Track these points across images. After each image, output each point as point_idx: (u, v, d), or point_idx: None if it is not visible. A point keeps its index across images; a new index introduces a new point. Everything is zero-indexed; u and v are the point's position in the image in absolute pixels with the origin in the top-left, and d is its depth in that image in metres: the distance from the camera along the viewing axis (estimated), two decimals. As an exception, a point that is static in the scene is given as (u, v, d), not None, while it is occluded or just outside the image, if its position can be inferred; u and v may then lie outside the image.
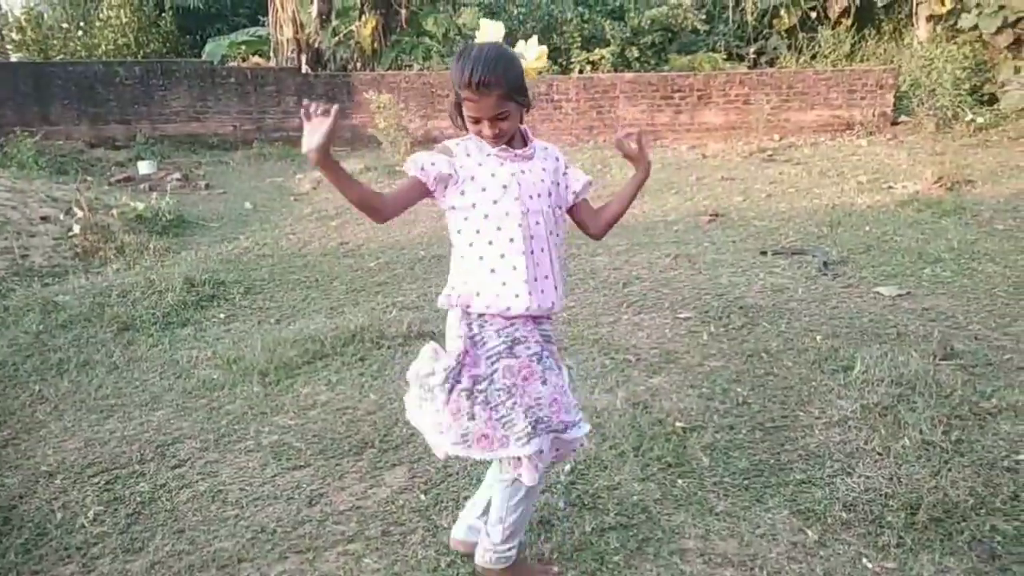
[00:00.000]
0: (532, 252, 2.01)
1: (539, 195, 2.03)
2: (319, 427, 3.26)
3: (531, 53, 2.02)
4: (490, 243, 1.99)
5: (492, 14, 13.60)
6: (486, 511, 2.27)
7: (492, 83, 1.87)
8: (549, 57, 13.54)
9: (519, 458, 1.99)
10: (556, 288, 2.06)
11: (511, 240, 1.99)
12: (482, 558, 2.24)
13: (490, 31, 2.01)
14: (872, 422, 3.10)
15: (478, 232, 2.00)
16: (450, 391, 2.01)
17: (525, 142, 2.08)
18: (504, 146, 2.01)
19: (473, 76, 1.86)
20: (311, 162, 1.82)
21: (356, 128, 11.77)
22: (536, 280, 2.01)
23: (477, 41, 2.00)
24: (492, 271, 1.99)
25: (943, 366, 3.61)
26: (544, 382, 1.99)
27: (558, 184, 2.11)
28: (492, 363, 1.99)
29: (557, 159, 2.13)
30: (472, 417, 2.00)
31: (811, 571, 2.31)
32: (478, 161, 2.01)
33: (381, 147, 10.10)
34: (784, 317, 4.34)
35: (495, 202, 1.98)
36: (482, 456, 2.02)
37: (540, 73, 2.06)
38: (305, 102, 1.82)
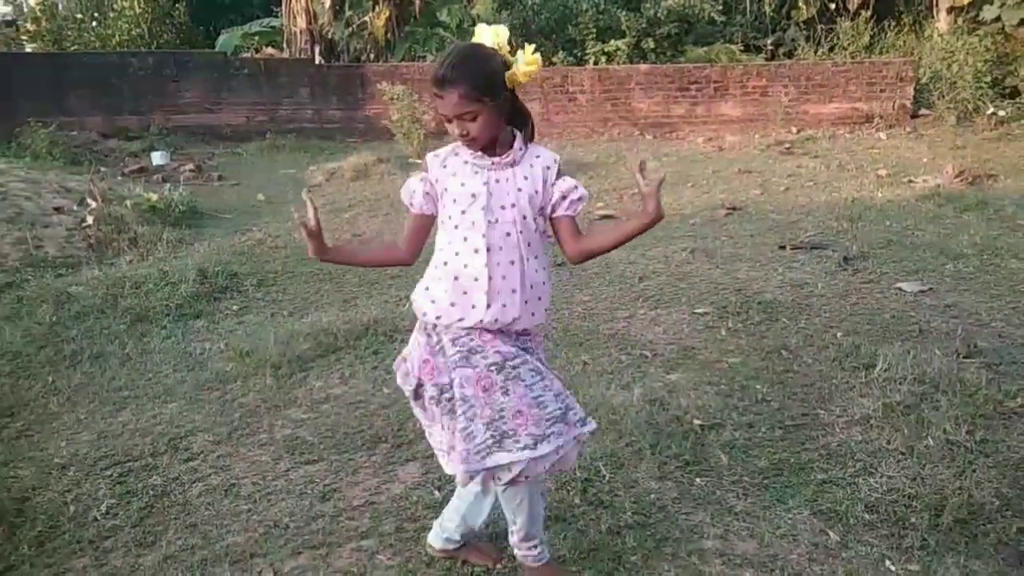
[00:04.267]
0: (499, 264, 1.93)
1: (512, 205, 1.94)
2: (332, 421, 3.23)
3: (521, 59, 1.92)
4: (456, 254, 1.95)
5: (506, 5, 13.51)
6: (461, 523, 2.28)
7: (454, 79, 1.81)
8: (564, 49, 13.37)
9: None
10: (525, 302, 1.96)
11: (475, 251, 1.93)
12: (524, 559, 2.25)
13: (486, 35, 1.92)
14: (895, 421, 3.04)
15: (449, 243, 1.96)
16: (420, 399, 2.03)
17: (514, 148, 1.96)
18: (480, 153, 1.94)
19: (438, 71, 1.82)
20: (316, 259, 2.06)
21: (369, 119, 11.73)
22: (500, 293, 1.93)
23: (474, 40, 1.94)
24: (455, 279, 1.94)
25: (967, 364, 3.55)
26: (505, 392, 1.92)
27: (543, 193, 1.98)
28: (451, 371, 1.96)
29: (548, 167, 1.98)
30: (443, 427, 1.99)
31: (833, 573, 2.27)
32: (452, 171, 1.96)
33: (394, 139, 10.06)
34: (804, 313, 4.28)
35: (463, 212, 1.93)
36: (451, 471, 2.00)
37: (530, 78, 1.95)
38: (297, 217, 1.99)
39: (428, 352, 2.00)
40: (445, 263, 1.96)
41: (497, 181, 1.94)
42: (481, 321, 1.93)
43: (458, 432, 1.93)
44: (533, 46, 1.94)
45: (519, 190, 1.95)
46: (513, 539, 2.21)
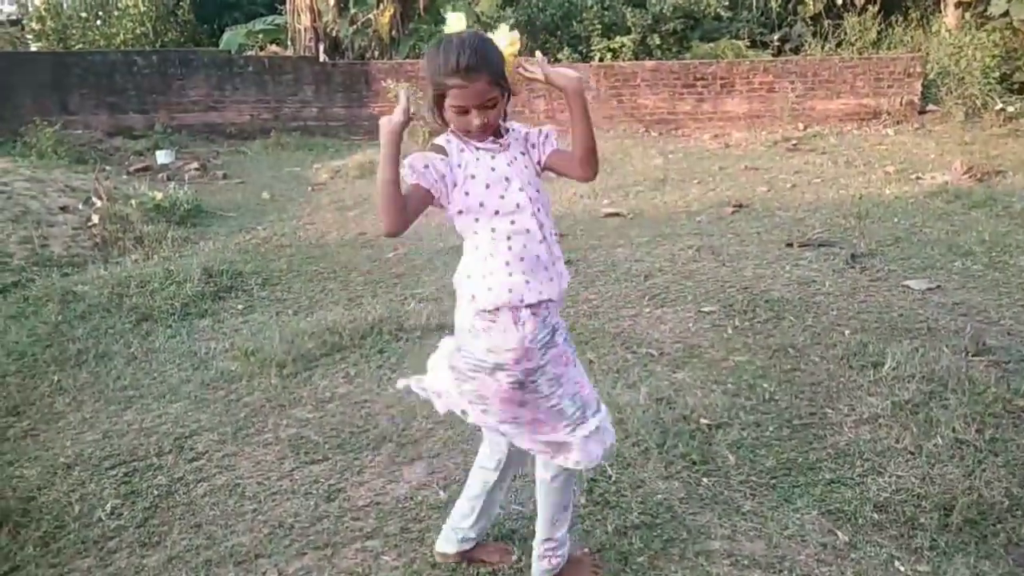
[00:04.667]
0: (545, 239, 1.95)
1: (530, 182, 1.97)
2: (337, 420, 3.22)
3: (503, 41, 1.92)
4: (508, 237, 1.90)
5: (511, 2, 13.49)
6: (478, 519, 2.28)
7: (480, 68, 1.80)
8: (569, 45, 13.34)
9: (564, 445, 2.00)
10: (560, 273, 2.01)
11: (527, 231, 1.91)
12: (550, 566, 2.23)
13: (458, 23, 1.91)
14: (903, 420, 3.01)
15: (493, 229, 1.91)
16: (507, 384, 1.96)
17: (500, 133, 1.98)
18: (491, 139, 1.94)
19: (461, 61, 1.79)
20: (383, 130, 1.84)
21: (374, 117, 11.71)
22: (555, 264, 1.98)
23: (448, 32, 1.90)
24: (521, 259, 1.91)
25: (975, 362, 3.52)
26: (575, 364, 2.03)
27: (532, 160, 2.03)
28: (543, 354, 1.94)
29: (526, 136, 2.04)
30: (523, 404, 1.98)
31: (842, 574, 2.25)
32: (475, 156, 1.92)
33: (399, 136, 10.05)
34: (811, 311, 4.25)
35: (502, 196, 1.90)
36: (530, 442, 2.02)
37: (516, 57, 1.95)
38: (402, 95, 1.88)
39: (518, 340, 1.92)
40: (491, 255, 1.91)
41: (507, 163, 1.95)
42: (558, 295, 1.98)
43: (548, 409, 1.97)
44: (505, 25, 1.98)
45: (525, 168, 1.98)
46: (548, 544, 2.20)
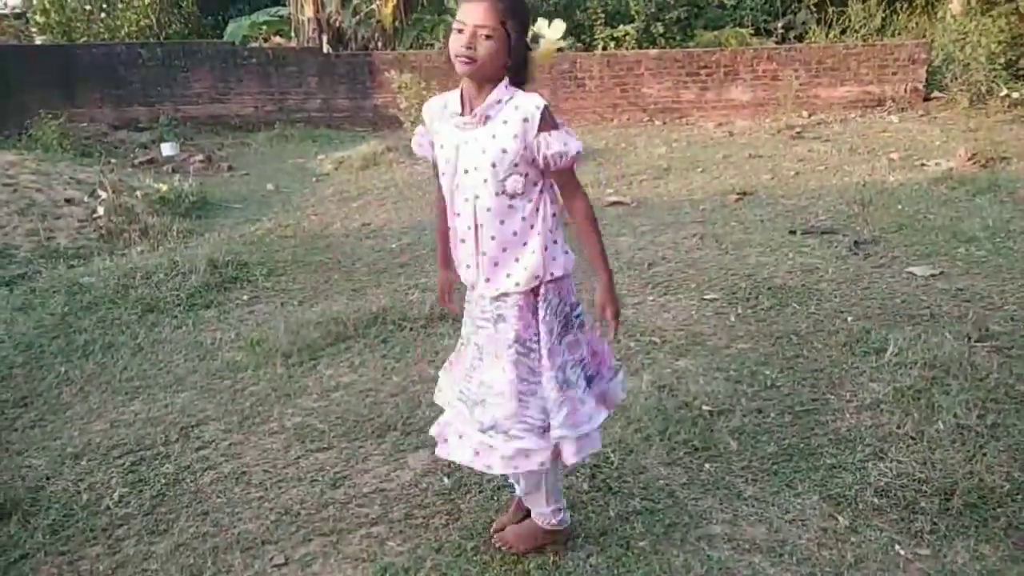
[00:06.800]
0: (469, 228, 1.99)
1: (475, 168, 1.92)
2: (342, 409, 3.25)
3: (553, 33, 1.97)
4: (457, 214, 2.03)
5: (514, -9, 13.41)
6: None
7: None
8: (572, 34, 13.31)
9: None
10: (495, 265, 1.99)
11: (457, 214, 2.02)
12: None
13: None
14: (905, 406, 3.03)
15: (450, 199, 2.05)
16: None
17: (488, 100, 1.90)
18: (460, 110, 1.95)
19: None
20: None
21: (378, 108, 11.72)
22: (472, 255, 2.02)
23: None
24: (461, 241, 2.05)
25: (978, 348, 3.52)
26: (507, 370, 2.04)
27: (520, 149, 1.89)
28: (476, 323, 2.12)
29: (526, 119, 1.87)
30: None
31: (842, 558, 2.27)
32: (438, 129, 2.02)
33: (403, 127, 10.04)
34: (814, 298, 4.25)
35: (443, 174, 2.03)
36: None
37: (560, 51, 1.99)
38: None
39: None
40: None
41: (466, 143, 1.94)
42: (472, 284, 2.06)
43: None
44: (558, 19, 2.03)
45: (483, 152, 1.91)
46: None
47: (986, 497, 2.48)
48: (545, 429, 2.02)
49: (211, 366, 3.72)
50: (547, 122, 1.88)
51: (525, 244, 1.97)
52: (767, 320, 4.00)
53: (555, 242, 2.01)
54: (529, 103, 1.88)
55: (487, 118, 1.90)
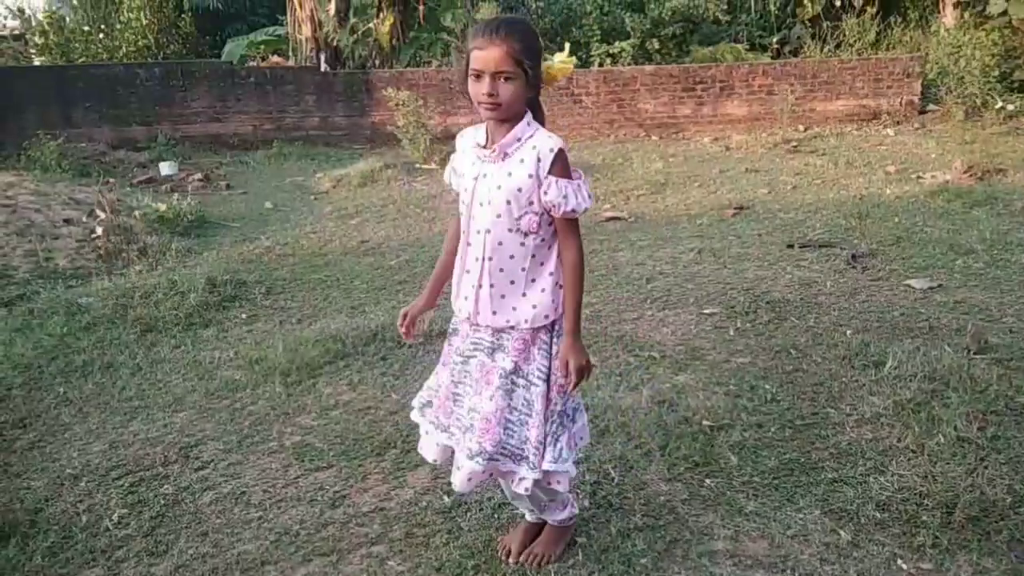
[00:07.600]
0: (477, 259, 2.01)
1: (490, 202, 1.95)
2: (341, 427, 3.24)
3: (565, 54, 2.03)
4: (468, 244, 2.05)
5: (510, 8, 13.53)
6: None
7: (505, 35, 1.83)
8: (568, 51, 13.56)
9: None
10: (502, 297, 2.01)
11: (468, 244, 2.05)
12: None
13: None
14: (905, 419, 3.02)
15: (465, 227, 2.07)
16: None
17: (510, 135, 1.92)
18: (485, 143, 1.99)
19: (490, 26, 1.85)
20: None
21: (375, 126, 11.77)
22: (473, 287, 2.04)
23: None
24: (466, 272, 2.07)
25: (977, 360, 3.52)
26: (494, 399, 2.06)
27: (532, 187, 1.92)
28: (467, 353, 2.15)
29: (539, 160, 1.89)
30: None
31: (844, 573, 2.26)
32: (465, 156, 2.06)
33: (400, 144, 10.09)
34: (812, 312, 4.26)
35: (462, 202, 2.05)
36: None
37: (559, 79, 2.03)
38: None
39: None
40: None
41: (484, 176, 1.97)
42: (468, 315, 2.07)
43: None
44: (569, 47, 2.08)
45: (498, 187, 1.94)
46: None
47: (988, 510, 2.47)
48: (523, 457, 2.06)
49: (210, 385, 3.71)
50: (559, 166, 1.91)
51: (534, 281, 2.01)
52: (766, 334, 4.01)
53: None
54: (546, 144, 1.91)
55: (505, 155, 1.94)
